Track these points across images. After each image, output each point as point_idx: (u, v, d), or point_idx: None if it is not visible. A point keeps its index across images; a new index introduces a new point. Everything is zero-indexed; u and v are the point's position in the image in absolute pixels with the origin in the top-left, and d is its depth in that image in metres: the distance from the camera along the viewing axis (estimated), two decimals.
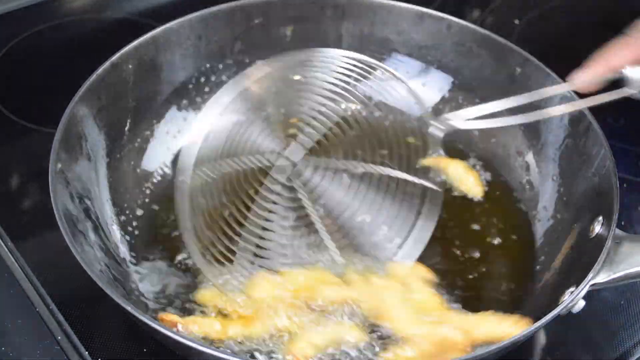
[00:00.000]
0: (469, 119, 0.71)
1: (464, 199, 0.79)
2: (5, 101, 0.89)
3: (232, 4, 0.84)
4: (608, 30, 1.11)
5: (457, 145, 0.85)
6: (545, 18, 1.08)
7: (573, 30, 1.09)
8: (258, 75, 0.70)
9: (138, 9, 1.03)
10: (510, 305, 0.70)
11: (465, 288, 0.72)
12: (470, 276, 0.73)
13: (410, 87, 0.72)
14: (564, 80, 0.78)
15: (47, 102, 0.89)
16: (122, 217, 0.75)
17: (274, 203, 0.71)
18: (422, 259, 0.73)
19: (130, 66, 0.79)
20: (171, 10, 0.97)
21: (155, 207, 0.78)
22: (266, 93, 0.72)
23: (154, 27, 0.81)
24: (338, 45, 0.88)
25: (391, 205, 0.73)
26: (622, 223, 0.75)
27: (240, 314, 0.66)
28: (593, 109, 0.75)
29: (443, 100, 0.87)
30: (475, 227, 0.77)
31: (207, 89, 0.85)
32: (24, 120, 0.87)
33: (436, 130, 0.72)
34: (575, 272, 0.65)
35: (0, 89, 0.91)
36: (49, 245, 0.73)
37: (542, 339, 0.71)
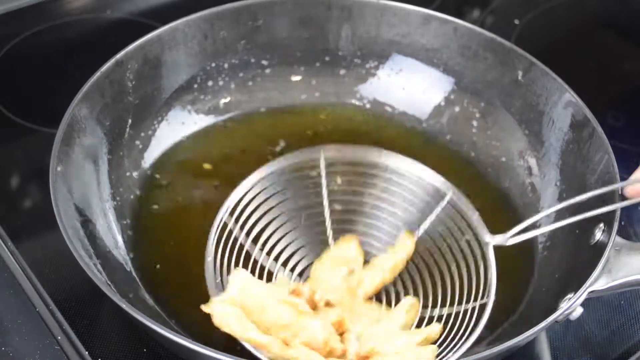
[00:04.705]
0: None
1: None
2: (5, 101, 0.89)
3: (239, 3, 0.84)
4: (608, 30, 1.12)
5: (459, 148, 0.85)
6: (545, 18, 1.09)
7: (573, 30, 1.09)
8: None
9: (138, 9, 1.03)
10: (507, 310, 0.70)
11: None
12: None
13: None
14: (569, 85, 0.78)
15: (47, 102, 0.89)
16: (122, 217, 0.75)
17: None
18: None
19: (135, 64, 0.79)
20: (171, 10, 0.97)
21: (157, 207, 0.78)
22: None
23: (154, 27, 0.81)
24: (345, 44, 0.88)
25: None
26: (622, 223, 0.75)
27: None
28: (594, 110, 0.75)
29: (448, 102, 0.87)
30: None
31: (211, 89, 0.86)
32: (24, 120, 0.87)
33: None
34: (573, 278, 0.65)
35: (0, 89, 0.91)
36: (49, 245, 0.73)
37: (542, 339, 0.71)
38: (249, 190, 0.71)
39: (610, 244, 0.64)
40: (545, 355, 0.71)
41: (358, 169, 0.74)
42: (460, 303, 0.67)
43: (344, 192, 0.74)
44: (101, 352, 0.67)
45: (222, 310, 0.61)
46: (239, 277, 0.65)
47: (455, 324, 0.65)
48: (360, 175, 0.74)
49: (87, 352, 0.66)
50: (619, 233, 0.66)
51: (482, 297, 0.66)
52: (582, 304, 0.63)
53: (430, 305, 0.68)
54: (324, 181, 0.73)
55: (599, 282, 0.63)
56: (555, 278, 0.70)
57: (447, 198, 0.71)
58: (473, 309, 0.65)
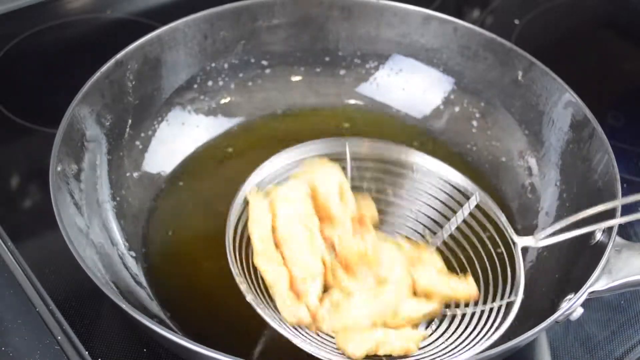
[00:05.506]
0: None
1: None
2: (5, 101, 0.89)
3: (239, 3, 0.85)
4: (608, 30, 1.12)
5: (459, 148, 0.85)
6: (545, 18, 1.09)
7: (573, 30, 1.10)
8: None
9: (138, 9, 1.03)
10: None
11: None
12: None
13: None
14: (569, 85, 0.78)
15: (47, 102, 0.89)
16: (123, 218, 0.75)
17: None
18: None
19: (135, 64, 0.79)
20: (171, 10, 0.97)
21: (157, 207, 0.78)
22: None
23: (154, 27, 0.81)
24: (345, 44, 0.88)
25: None
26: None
27: None
28: (594, 110, 0.75)
29: (448, 103, 0.87)
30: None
31: (211, 89, 0.86)
32: (24, 120, 0.87)
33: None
34: (573, 278, 0.65)
35: (0, 89, 0.91)
36: (49, 245, 0.73)
37: (542, 339, 0.71)
38: (273, 171, 0.71)
39: (610, 245, 0.65)
40: (545, 355, 0.71)
41: (383, 166, 0.74)
42: (485, 302, 0.67)
43: (368, 189, 0.74)
44: (101, 352, 0.67)
45: (258, 204, 0.67)
46: (296, 185, 0.68)
47: (481, 322, 0.66)
48: (385, 171, 0.74)
49: (87, 352, 0.66)
50: (619, 233, 0.66)
51: (510, 296, 0.66)
52: (583, 305, 0.63)
53: (453, 303, 0.68)
54: (348, 175, 0.73)
55: (599, 282, 0.63)
56: (555, 278, 0.70)
57: (475, 199, 0.71)
58: (499, 307, 0.66)
